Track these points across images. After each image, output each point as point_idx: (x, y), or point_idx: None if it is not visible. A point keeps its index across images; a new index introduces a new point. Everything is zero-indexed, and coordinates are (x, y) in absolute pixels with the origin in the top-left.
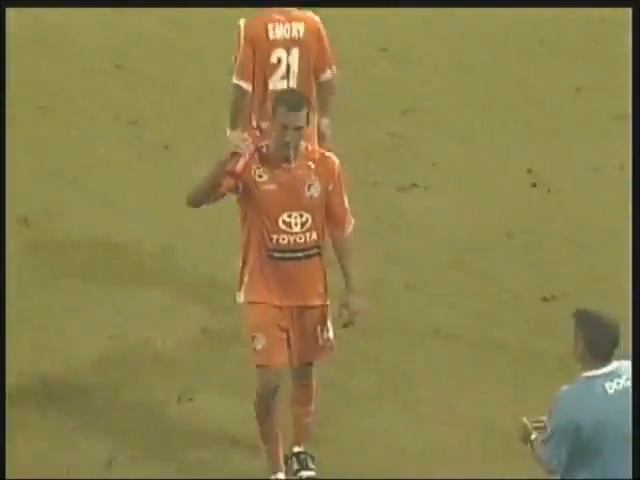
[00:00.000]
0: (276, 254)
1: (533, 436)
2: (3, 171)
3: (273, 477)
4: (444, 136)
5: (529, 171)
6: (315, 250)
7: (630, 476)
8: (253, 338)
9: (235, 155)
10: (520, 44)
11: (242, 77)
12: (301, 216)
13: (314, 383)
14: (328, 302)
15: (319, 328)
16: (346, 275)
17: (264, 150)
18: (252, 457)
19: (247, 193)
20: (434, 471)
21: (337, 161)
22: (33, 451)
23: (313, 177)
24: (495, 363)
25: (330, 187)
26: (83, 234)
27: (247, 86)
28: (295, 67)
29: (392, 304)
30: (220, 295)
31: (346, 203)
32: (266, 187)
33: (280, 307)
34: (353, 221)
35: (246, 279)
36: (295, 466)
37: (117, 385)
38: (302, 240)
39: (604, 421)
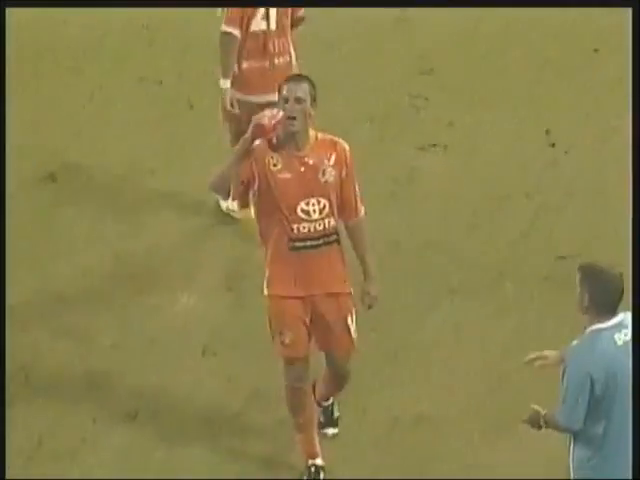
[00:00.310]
0: (297, 244)
1: (544, 412)
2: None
3: (310, 462)
4: (462, 97)
5: (547, 132)
6: (334, 236)
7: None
8: (280, 333)
9: (258, 126)
10: (537, 6)
11: (230, 24)
12: (319, 202)
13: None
14: (351, 289)
15: (350, 317)
16: (363, 263)
17: (274, 140)
18: (271, 410)
19: (263, 184)
20: (439, 435)
21: (347, 147)
22: (56, 403)
23: (326, 162)
24: (513, 321)
25: (343, 173)
26: (109, 191)
27: (236, 32)
28: (274, 8)
29: (409, 263)
30: (248, 248)
31: (357, 188)
32: (281, 176)
33: (302, 298)
34: (363, 207)
35: (267, 272)
36: (321, 418)
37: (142, 340)
38: (321, 227)
39: (615, 372)
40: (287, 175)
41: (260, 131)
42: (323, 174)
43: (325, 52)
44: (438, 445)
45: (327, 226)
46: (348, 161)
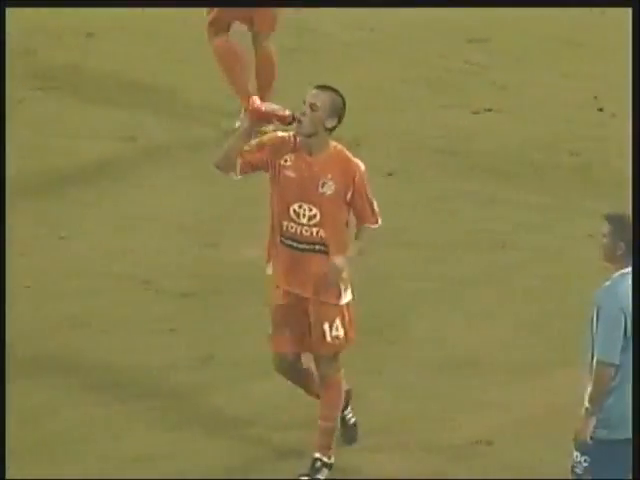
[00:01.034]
0: (285, 240)
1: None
2: None
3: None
4: (515, 64)
5: (595, 98)
6: (321, 247)
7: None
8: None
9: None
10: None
11: None
12: (310, 210)
13: (335, 384)
14: (342, 302)
15: (327, 324)
16: (352, 245)
17: (297, 140)
18: None
19: (273, 174)
20: (476, 378)
21: (362, 166)
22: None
23: (330, 175)
24: (553, 273)
25: (349, 193)
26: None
27: None
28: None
29: (454, 213)
30: None
31: (373, 205)
32: (286, 172)
33: (289, 293)
34: (380, 221)
35: (268, 255)
36: (305, 469)
37: (208, 289)
38: (308, 233)
39: None
40: (291, 174)
41: (256, 115)
42: (322, 185)
43: (383, 19)
44: (475, 388)
45: (314, 235)
46: (357, 180)
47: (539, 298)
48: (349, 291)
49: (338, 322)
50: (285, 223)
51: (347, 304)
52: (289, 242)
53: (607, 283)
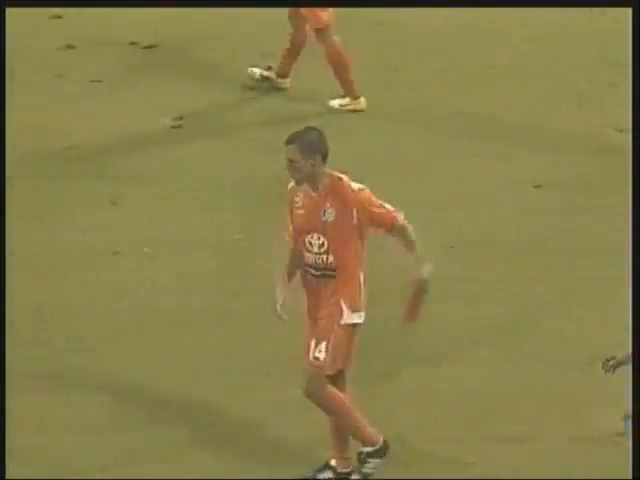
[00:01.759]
0: (307, 269)
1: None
2: None
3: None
4: None
5: None
6: (331, 272)
7: None
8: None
9: None
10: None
11: None
12: (318, 238)
13: (320, 402)
14: (342, 321)
15: (314, 342)
16: (410, 255)
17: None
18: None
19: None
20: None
21: (353, 186)
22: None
23: (328, 204)
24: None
25: (355, 217)
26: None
27: None
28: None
29: (595, 224)
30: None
31: (385, 205)
32: (297, 211)
33: (309, 316)
34: (400, 217)
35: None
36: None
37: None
38: (320, 260)
39: None
40: (300, 211)
41: None
42: (324, 214)
43: (532, 45)
44: (605, 385)
45: (325, 261)
46: (354, 200)
47: None
48: (357, 315)
49: (323, 345)
50: (304, 253)
51: (349, 326)
52: (308, 269)
53: None
